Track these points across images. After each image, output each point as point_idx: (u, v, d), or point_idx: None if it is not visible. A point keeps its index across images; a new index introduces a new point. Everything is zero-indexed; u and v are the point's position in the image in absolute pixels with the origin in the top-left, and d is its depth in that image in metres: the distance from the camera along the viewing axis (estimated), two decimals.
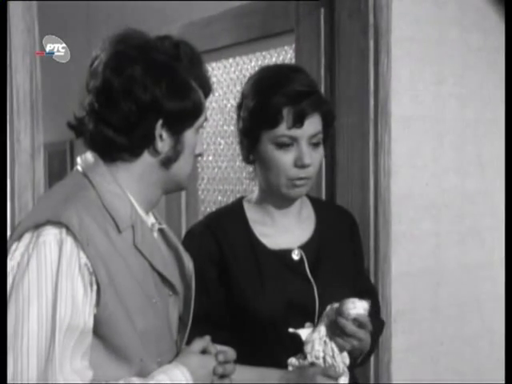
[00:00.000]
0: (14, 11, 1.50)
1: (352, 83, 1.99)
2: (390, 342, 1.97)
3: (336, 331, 1.45)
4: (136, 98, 1.18)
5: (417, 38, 2.02)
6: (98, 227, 1.15)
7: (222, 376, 1.28)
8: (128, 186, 1.22)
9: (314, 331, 1.47)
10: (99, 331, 1.15)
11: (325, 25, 2.05)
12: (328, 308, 1.48)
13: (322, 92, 1.90)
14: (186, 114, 1.22)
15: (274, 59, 2.51)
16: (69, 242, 1.12)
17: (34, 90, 1.57)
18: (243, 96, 1.54)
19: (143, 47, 1.21)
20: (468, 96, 2.14)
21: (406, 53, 2.00)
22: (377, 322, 1.66)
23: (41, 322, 1.08)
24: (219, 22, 2.61)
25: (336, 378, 1.45)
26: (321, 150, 1.52)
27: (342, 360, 1.48)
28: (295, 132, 1.47)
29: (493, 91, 2.17)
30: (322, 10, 2.05)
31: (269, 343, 1.49)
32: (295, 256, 1.54)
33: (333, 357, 1.46)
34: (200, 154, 1.31)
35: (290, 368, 1.47)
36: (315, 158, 1.50)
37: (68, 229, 1.12)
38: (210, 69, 2.64)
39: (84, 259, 1.12)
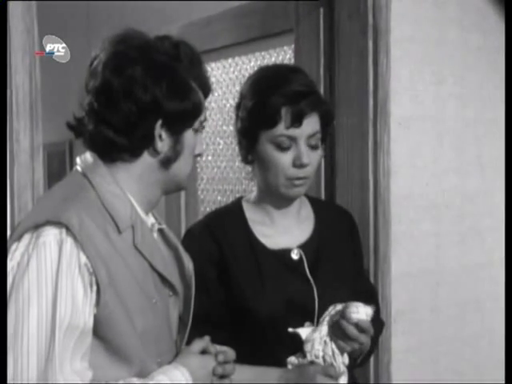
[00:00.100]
0: (14, 12, 1.50)
1: (351, 83, 1.99)
2: (390, 343, 1.97)
3: (337, 333, 1.45)
4: (136, 99, 1.18)
5: (416, 38, 2.02)
6: (97, 227, 1.15)
7: (222, 376, 1.28)
8: (128, 187, 1.22)
9: (314, 330, 1.47)
10: (99, 331, 1.15)
11: (324, 25, 2.05)
12: (331, 308, 1.48)
13: (322, 92, 1.90)
14: (185, 114, 1.22)
15: (273, 59, 2.51)
16: (69, 242, 1.12)
17: (34, 90, 1.57)
18: (242, 96, 1.54)
19: (143, 47, 1.21)
20: (468, 96, 2.14)
21: (405, 53, 2.00)
22: (376, 322, 1.66)
23: (41, 322, 1.08)
24: (219, 22, 2.61)
25: (336, 377, 1.45)
26: (319, 150, 1.52)
27: (342, 360, 1.48)
28: (293, 132, 1.47)
29: (492, 91, 2.17)
30: (322, 10, 2.05)
31: (268, 343, 1.49)
32: (294, 256, 1.54)
33: (332, 356, 1.46)
34: (199, 154, 1.31)
35: (290, 367, 1.47)
36: (313, 157, 1.50)
37: (68, 229, 1.12)
38: (209, 69, 2.64)
39: (84, 259, 1.12)
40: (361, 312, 1.42)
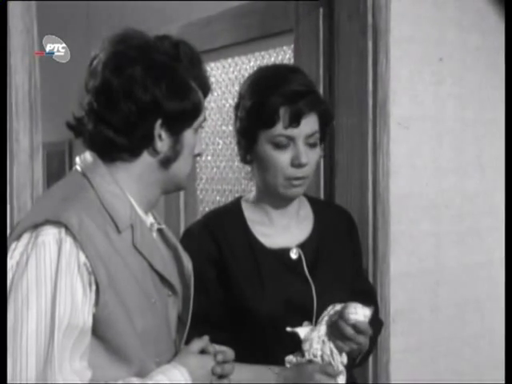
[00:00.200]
0: (13, 12, 1.50)
1: (351, 83, 1.99)
2: (389, 342, 1.97)
3: (336, 333, 1.45)
4: (136, 99, 1.18)
5: (416, 38, 2.02)
6: (97, 227, 1.15)
7: (221, 376, 1.28)
8: (127, 186, 1.22)
9: (313, 330, 1.47)
10: (98, 331, 1.15)
11: (324, 25, 2.06)
12: (330, 308, 1.48)
13: (321, 92, 1.90)
14: (185, 114, 1.22)
15: (272, 59, 2.52)
16: (68, 241, 1.12)
17: (33, 90, 1.57)
18: (241, 96, 1.54)
19: (143, 47, 1.21)
20: (467, 96, 2.14)
21: (404, 53, 2.00)
22: (375, 322, 1.67)
23: (40, 321, 1.08)
24: (218, 22, 2.61)
25: (334, 376, 1.45)
26: (318, 150, 1.52)
27: (340, 359, 1.48)
28: (292, 131, 1.47)
29: (492, 91, 2.17)
30: (321, 11, 2.06)
31: (267, 342, 1.49)
32: (293, 255, 1.54)
33: (330, 356, 1.46)
34: (199, 154, 1.31)
35: (288, 365, 1.48)
36: (312, 157, 1.50)
37: (67, 228, 1.12)
38: (208, 69, 2.64)
39: (83, 259, 1.12)
40: (359, 313, 1.42)
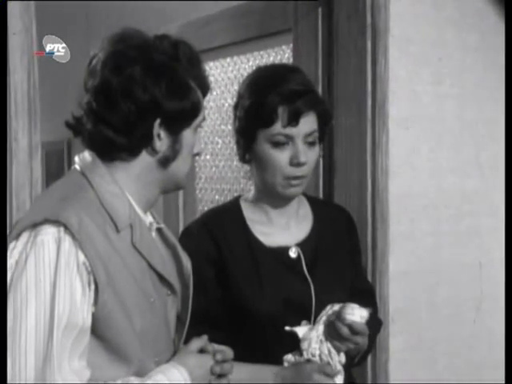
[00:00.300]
0: (12, 11, 1.50)
1: (350, 83, 1.99)
2: (388, 342, 1.97)
3: (333, 333, 1.45)
4: (135, 98, 1.18)
5: (414, 38, 2.02)
6: (96, 226, 1.15)
7: (220, 375, 1.28)
8: (126, 186, 1.23)
9: (311, 329, 1.48)
10: (97, 330, 1.15)
11: (323, 25, 2.06)
12: (328, 307, 1.48)
13: (320, 92, 1.91)
14: (184, 113, 1.22)
15: (271, 59, 2.52)
16: (67, 240, 1.12)
17: (32, 89, 1.56)
18: (239, 95, 1.55)
19: (142, 47, 1.21)
20: (466, 96, 2.14)
21: (403, 53, 2.00)
22: (374, 321, 1.67)
23: (39, 320, 1.08)
24: (217, 21, 2.61)
25: (332, 375, 1.45)
26: (316, 149, 1.52)
27: (338, 359, 1.48)
28: (290, 130, 1.47)
29: (491, 91, 2.18)
30: (320, 11, 2.06)
31: (266, 341, 1.49)
32: (292, 254, 1.54)
33: (329, 355, 1.46)
34: (198, 154, 1.31)
35: (286, 364, 1.48)
36: (311, 156, 1.50)
37: (66, 228, 1.12)
38: (207, 68, 2.64)
39: (82, 258, 1.12)
40: (355, 314, 1.43)
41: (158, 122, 1.20)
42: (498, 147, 2.15)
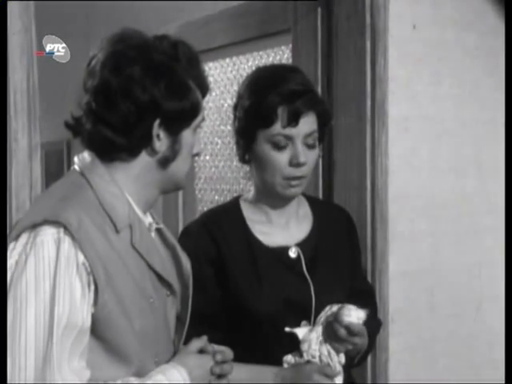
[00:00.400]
0: (11, 11, 1.50)
1: (349, 83, 1.99)
2: (388, 342, 1.97)
3: (331, 334, 1.45)
4: (135, 98, 1.18)
5: (414, 38, 2.02)
6: (95, 227, 1.15)
7: (220, 376, 1.28)
8: (126, 186, 1.22)
9: (311, 330, 1.48)
10: (97, 331, 1.15)
11: (322, 25, 2.06)
12: (327, 308, 1.48)
13: (319, 92, 1.91)
14: (183, 113, 1.22)
15: (270, 59, 2.52)
16: (66, 241, 1.12)
17: (31, 89, 1.56)
18: (239, 96, 1.55)
19: (142, 47, 1.21)
20: (465, 96, 2.14)
21: (403, 53, 2.00)
22: (374, 321, 1.67)
23: (38, 321, 1.08)
24: (216, 21, 2.61)
25: (332, 376, 1.45)
26: (316, 150, 1.53)
27: (338, 359, 1.48)
28: (290, 131, 1.47)
29: (490, 91, 2.18)
30: (320, 11, 2.06)
31: (265, 341, 1.49)
32: (292, 254, 1.54)
33: (328, 356, 1.46)
34: (197, 154, 1.31)
35: (286, 365, 1.48)
36: (310, 157, 1.50)
37: (66, 228, 1.12)
38: (207, 68, 2.64)
39: (82, 259, 1.12)
40: (352, 315, 1.43)
41: (157, 122, 1.20)
42: (497, 147, 2.16)
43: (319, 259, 1.55)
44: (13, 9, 1.50)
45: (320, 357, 1.47)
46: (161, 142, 1.22)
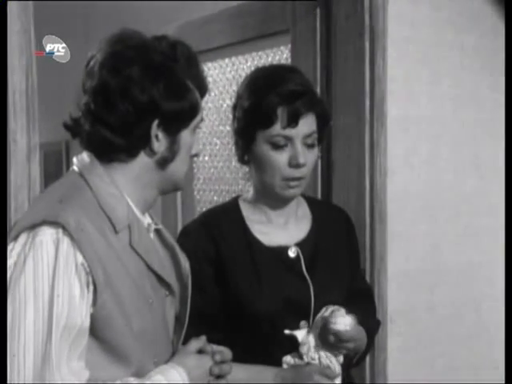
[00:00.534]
0: (10, 11, 1.50)
1: (348, 84, 1.99)
2: (386, 342, 1.97)
3: (323, 339, 1.46)
4: (133, 99, 1.18)
5: (413, 39, 2.02)
6: (94, 227, 1.15)
7: (219, 376, 1.28)
8: (124, 187, 1.22)
9: (309, 332, 1.48)
10: (96, 331, 1.15)
11: (321, 26, 2.06)
12: (323, 310, 1.49)
13: (318, 92, 1.91)
14: (182, 114, 1.22)
15: (269, 59, 2.52)
16: (65, 241, 1.12)
17: (30, 90, 1.56)
18: (238, 96, 1.54)
19: (140, 47, 1.21)
20: (464, 97, 2.14)
21: (401, 54, 2.00)
22: (373, 322, 1.67)
23: (37, 321, 1.08)
24: (215, 22, 2.61)
25: (333, 378, 1.45)
26: (315, 151, 1.52)
27: (337, 360, 1.48)
28: (290, 132, 1.47)
29: (489, 92, 2.18)
30: (319, 11, 2.06)
31: (265, 341, 1.49)
32: (291, 253, 1.54)
33: (328, 358, 1.47)
34: (196, 155, 1.31)
35: (285, 366, 1.48)
36: (310, 157, 1.50)
37: (64, 229, 1.12)
38: (206, 69, 2.64)
39: (81, 259, 1.12)
40: (338, 323, 1.42)
41: (156, 122, 1.20)
42: (496, 147, 2.16)
43: (318, 259, 1.55)
44: (12, 9, 1.50)
45: (320, 359, 1.47)
46: (159, 143, 1.22)
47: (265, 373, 1.47)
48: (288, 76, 1.50)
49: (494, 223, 2.18)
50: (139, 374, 1.19)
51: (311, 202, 1.66)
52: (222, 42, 2.63)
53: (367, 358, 1.84)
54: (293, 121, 1.47)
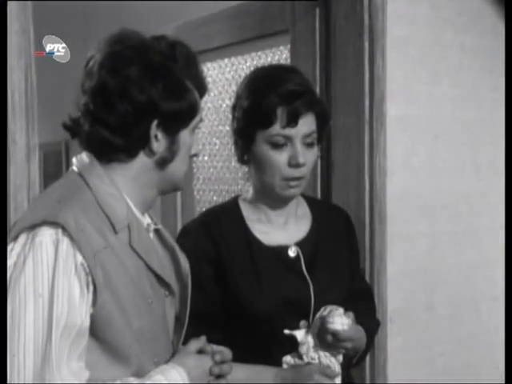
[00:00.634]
0: (9, 11, 1.50)
1: (347, 84, 1.99)
2: (386, 342, 1.97)
3: (322, 339, 1.46)
4: (132, 99, 1.17)
5: (412, 39, 2.02)
6: (94, 228, 1.15)
7: (219, 376, 1.28)
8: (124, 187, 1.22)
9: (308, 332, 1.48)
10: (96, 332, 1.15)
11: (320, 25, 2.06)
12: (322, 310, 1.48)
13: (318, 92, 1.91)
14: (181, 114, 1.22)
15: (269, 59, 2.52)
16: (65, 242, 1.12)
17: (30, 90, 1.56)
18: (238, 96, 1.54)
19: (139, 48, 1.21)
20: (463, 97, 2.15)
21: (401, 54, 2.00)
22: (372, 321, 1.67)
23: (37, 321, 1.08)
24: (215, 22, 2.61)
25: (333, 377, 1.45)
26: (315, 150, 1.52)
27: (336, 359, 1.48)
28: (289, 131, 1.47)
29: (488, 92, 2.18)
30: (318, 11, 2.06)
31: (265, 340, 1.49)
32: (291, 253, 1.54)
33: (327, 358, 1.46)
34: (195, 155, 1.31)
35: (285, 366, 1.48)
36: (309, 157, 1.50)
37: (64, 229, 1.12)
38: (205, 69, 2.64)
39: (80, 259, 1.12)
40: (336, 322, 1.42)
41: (155, 123, 1.20)
42: (496, 147, 2.16)
43: (318, 259, 1.55)
44: (11, 9, 1.50)
45: (319, 358, 1.47)
46: (158, 143, 1.22)
47: (265, 373, 1.47)
48: (287, 76, 1.51)
49: (492, 223, 2.18)
50: (139, 374, 1.19)
51: (311, 201, 1.66)
52: (221, 42, 2.63)
53: (367, 358, 1.84)
54: (292, 120, 1.47)
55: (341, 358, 1.50)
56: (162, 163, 1.24)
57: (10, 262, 1.12)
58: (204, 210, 2.79)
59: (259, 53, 2.57)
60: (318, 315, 1.48)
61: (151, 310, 1.22)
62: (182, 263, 1.34)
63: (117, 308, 1.16)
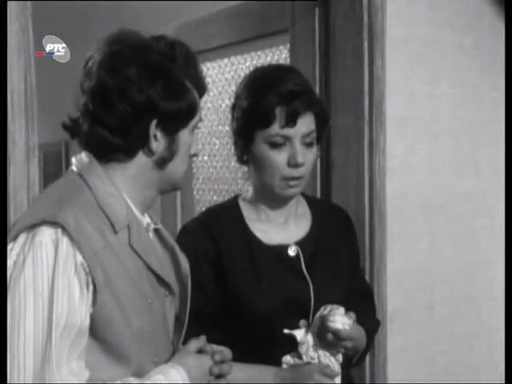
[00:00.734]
0: (9, 11, 1.50)
1: (347, 83, 1.99)
2: (386, 342, 1.98)
3: (321, 338, 1.46)
4: (131, 99, 1.18)
5: (411, 38, 2.02)
6: (93, 227, 1.15)
7: (219, 376, 1.28)
8: (123, 187, 1.22)
9: (307, 331, 1.48)
10: (96, 331, 1.15)
11: (320, 25, 2.06)
12: (322, 309, 1.48)
13: (317, 92, 1.91)
14: (180, 114, 1.22)
15: (268, 59, 2.52)
16: (65, 241, 1.12)
17: (29, 90, 1.56)
18: (237, 96, 1.55)
19: (138, 48, 1.21)
20: (462, 96, 2.15)
21: (400, 53, 2.00)
22: (372, 321, 1.67)
23: (37, 321, 1.08)
24: (214, 22, 2.61)
25: (332, 377, 1.45)
26: (314, 150, 1.53)
27: (336, 359, 1.48)
28: (288, 131, 1.47)
29: (487, 92, 2.18)
30: (317, 11, 2.06)
31: (264, 340, 1.49)
32: (291, 252, 1.54)
33: (327, 357, 1.46)
34: (195, 155, 1.31)
35: (285, 366, 1.48)
36: (308, 157, 1.50)
37: (64, 229, 1.12)
38: (204, 69, 2.64)
39: (80, 259, 1.12)
40: (337, 321, 1.42)
41: (154, 122, 1.20)
42: (495, 147, 2.16)
43: (318, 258, 1.55)
44: (10, 9, 1.50)
45: (319, 358, 1.47)
46: (158, 143, 1.22)
47: (265, 373, 1.47)
48: (286, 76, 1.51)
49: (492, 223, 2.18)
50: (139, 373, 1.19)
51: (311, 201, 1.66)
52: (220, 41, 2.63)
53: (367, 358, 1.84)
54: (291, 120, 1.47)
55: (340, 357, 1.50)
56: (162, 163, 1.24)
57: (9, 261, 1.12)
58: (204, 209, 2.80)
59: (259, 52, 2.57)
60: (317, 314, 1.48)
61: (151, 309, 1.23)
62: (181, 263, 1.34)
63: (117, 308, 1.16)
